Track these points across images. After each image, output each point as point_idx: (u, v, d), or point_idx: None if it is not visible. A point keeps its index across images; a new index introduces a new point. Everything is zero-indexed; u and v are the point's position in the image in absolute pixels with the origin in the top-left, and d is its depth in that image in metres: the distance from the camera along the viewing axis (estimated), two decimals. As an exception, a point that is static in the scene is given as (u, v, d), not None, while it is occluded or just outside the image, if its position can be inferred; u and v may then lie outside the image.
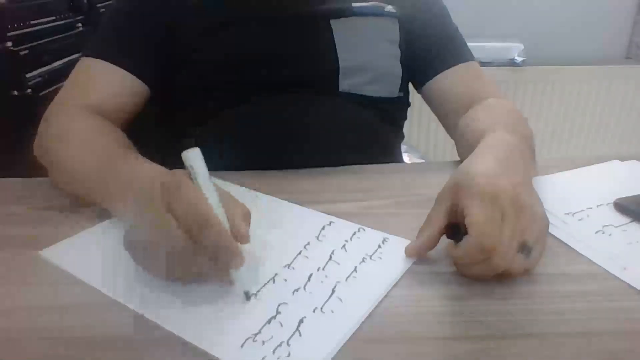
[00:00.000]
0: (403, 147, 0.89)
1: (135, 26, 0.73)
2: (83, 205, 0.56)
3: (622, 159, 0.70)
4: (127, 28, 0.73)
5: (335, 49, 0.73)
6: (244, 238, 0.42)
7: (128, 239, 0.44)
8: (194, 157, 0.43)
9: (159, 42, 0.72)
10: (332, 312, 0.40)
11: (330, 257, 0.48)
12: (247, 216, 0.45)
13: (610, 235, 0.52)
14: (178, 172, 0.43)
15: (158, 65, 0.73)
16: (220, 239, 0.40)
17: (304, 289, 0.43)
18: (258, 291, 0.43)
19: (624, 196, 0.57)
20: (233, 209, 0.44)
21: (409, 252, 0.48)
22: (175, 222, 0.39)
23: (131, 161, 0.54)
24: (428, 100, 0.81)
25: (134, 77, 0.70)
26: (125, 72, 0.69)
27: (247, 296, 0.42)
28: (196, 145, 0.43)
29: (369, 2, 0.76)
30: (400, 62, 0.78)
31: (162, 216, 0.39)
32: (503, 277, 0.43)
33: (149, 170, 0.49)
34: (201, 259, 0.40)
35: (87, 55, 0.71)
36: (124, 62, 0.69)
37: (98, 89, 0.69)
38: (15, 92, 1.17)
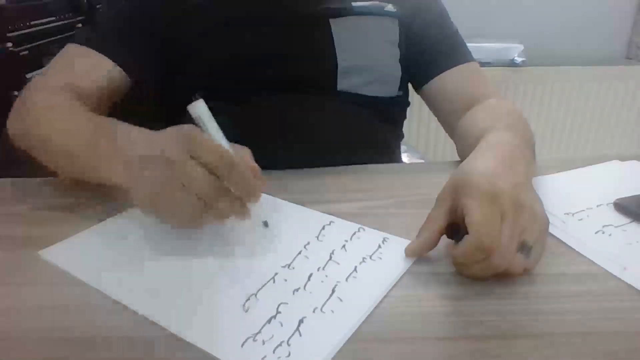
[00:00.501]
0: (403, 147, 0.89)
1: (128, 20, 0.73)
2: (83, 205, 0.56)
3: (622, 159, 0.70)
4: (118, 21, 0.73)
5: (335, 49, 0.73)
6: (258, 172, 0.49)
7: (142, 195, 0.47)
8: (200, 108, 0.47)
9: (155, 40, 0.72)
10: (332, 312, 0.40)
11: (330, 257, 0.48)
12: (252, 156, 0.51)
13: (610, 235, 0.52)
14: (187, 125, 0.46)
15: (150, 61, 0.73)
16: (247, 176, 0.45)
17: (304, 288, 0.43)
18: (258, 291, 0.43)
19: (624, 196, 0.57)
20: (240, 150, 0.49)
21: (408, 252, 0.48)
22: (201, 167, 0.43)
23: (123, 126, 0.55)
24: (427, 101, 0.81)
25: (115, 65, 0.70)
26: (105, 58, 0.69)
27: (266, 224, 0.49)
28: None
29: (368, 1, 0.76)
30: (400, 62, 0.78)
31: (188, 163, 0.43)
32: (503, 277, 0.43)
33: (148, 132, 0.52)
34: (229, 197, 0.45)
35: (72, 42, 0.71)
36: (106, 49, 0.69)
37: (76, 72, 0.69)
38: (15, 92, 1.17)
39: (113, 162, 0.51)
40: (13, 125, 0.64)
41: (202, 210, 0.45)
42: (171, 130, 0.46)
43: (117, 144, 0.52)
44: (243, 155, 0.48)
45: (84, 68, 0.69)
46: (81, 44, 0.70)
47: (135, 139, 0.51)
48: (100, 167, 0.53)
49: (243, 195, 0.46)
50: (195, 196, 0.44)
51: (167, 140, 0.45)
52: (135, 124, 0.73)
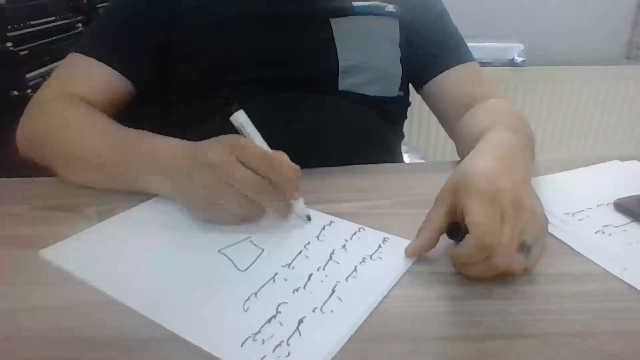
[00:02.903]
0: (403, 147, 0.89)
1: (127, 25, 0.73)
2: (85, 203, 0.56)
3: (622, 159, 0.70)
4: (118, 26, 0.73)
5: (336, 48, 0.73)
6: (298, 171, 0.51)
7: (193, 202, 0.51)
8: (241, 117, 0.53)
9: (154, 42, 0.72)
10: (332, 311, 0.40)
11: (331, 257, 0.48)
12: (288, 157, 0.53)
13: (610, 235, 0.52)
14: (229, 135, 0.51)
15: (150, 64, 0.73)
16: (290, 174, 0.50)
17: (304, 288, 0.43)
18: (258, 290, 0.43)
19: (624, 196, 0.57)
20: (278, 153, 0.52)
21: (408, 252, 0.47)
22: (246, 168, 0.48)
23: (151, 136, 0.58)
24: (428, 100, 0.81)
25: (118, 74, 0.70)
26: (109, 68, 0.70)
27: (309, 218, 0.53)
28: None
29: (369, 1, 0.76)
30: (400, 62, 0.78)
31: (234, 165, 0.48)
32: (503, 277, 0.43)
33: (182, 142, 0.55)
34: (275, 193, 0.49)
35: (75, 52, 0.71)
36: (109, 58, 0.70)
37: (81, 83, 0.69)
38: (15, 92, 1.17)
39: (150, 173, 0.55)
40: (22, 140, 0.65)
41: (251, 208, 0.49)
42: (214, 139, 0.50)
43: (151, 154, 0.55)
44: (282, 157, 0.51)
45: (89, 78, 0.69)
46: (84, 53, 0.70)
47: (170, 149, 0.54)
48: (136, 179, 0.56)
49: (286, 192, 0.50)
50: (244, 196, 0.48)
51: (212, 147, 0.49)
52: (133, 124, 0.73)
